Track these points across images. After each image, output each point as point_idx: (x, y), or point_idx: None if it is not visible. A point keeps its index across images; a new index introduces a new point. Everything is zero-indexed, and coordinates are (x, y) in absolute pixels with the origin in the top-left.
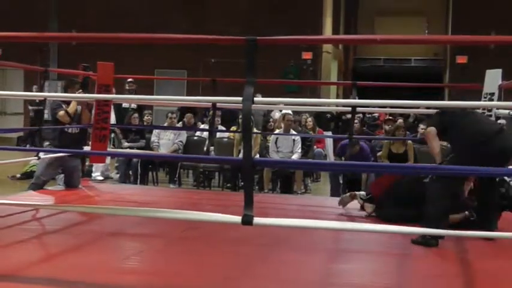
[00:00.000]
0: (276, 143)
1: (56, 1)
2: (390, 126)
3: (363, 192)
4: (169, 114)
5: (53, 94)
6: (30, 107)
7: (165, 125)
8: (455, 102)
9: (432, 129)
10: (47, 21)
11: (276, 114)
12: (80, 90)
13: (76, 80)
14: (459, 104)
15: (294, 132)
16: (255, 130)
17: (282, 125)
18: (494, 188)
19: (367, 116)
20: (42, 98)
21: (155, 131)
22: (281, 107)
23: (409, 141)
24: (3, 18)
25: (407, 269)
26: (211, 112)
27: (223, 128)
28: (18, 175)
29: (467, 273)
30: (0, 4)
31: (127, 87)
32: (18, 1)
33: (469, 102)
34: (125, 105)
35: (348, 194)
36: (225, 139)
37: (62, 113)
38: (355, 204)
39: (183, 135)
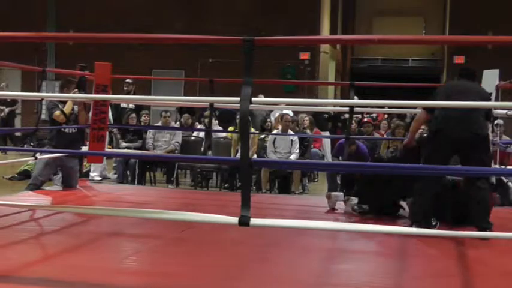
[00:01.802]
0: (273, 143)
1: (54, 1)
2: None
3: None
4: (164, 113)
5: (49, 94)
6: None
7: (159, 124)
8: (453, 102)
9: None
10: (45, 21)
11: (276, 114)
12: (76, 90)
13: (72, 80)
14: (457, 104)
15: (291, 133)
16: (252, 130)
17: (280, 126)
18: (474, 183)
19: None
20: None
21: (150, 132)
22: (279, 107)
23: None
24: (1, 17)
25: (405, 268)
26: (206, 112)
27: (220, 128)
28: (16, 175)
29: (466, 272)
30: None
31: (124, 88)
32: (16, 1)
33: (466, 102)
34: (123, 105)
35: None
36: (221, 139)
37: (57, 112)
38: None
39: (179, 136)
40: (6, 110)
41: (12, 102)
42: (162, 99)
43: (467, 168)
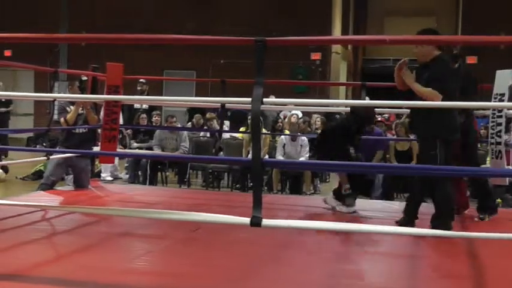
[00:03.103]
0: (283, 147)
1: (67, 2)
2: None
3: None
4: (169, 118)
5: (61, 95)
6: None
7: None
8: (465, 103)
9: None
10: (57, 22)
11: (285, 113)
12: (80, 92)
13: (80, 80)
14: (469, 105)
15: (301, 135)
16: (264, 131)
17: (289, 128)
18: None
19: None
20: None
21: (156, 136)
22: (290, 107)
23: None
24: (13, 19)
25: (417, 270)
26: (207, 114)
27: (226, 128)
28: (31, 175)
29: (478, 274)
30: (11, 5)
31: (138, 88)
32: (28, 2)
33: (479, 102)
34: (136, 105)
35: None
36: (230, 139)
37: (61, 120)
38: (363, 206)
39: (186, 140)
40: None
41: (7, 102)
42: (173, 99)
43: (467, 168)
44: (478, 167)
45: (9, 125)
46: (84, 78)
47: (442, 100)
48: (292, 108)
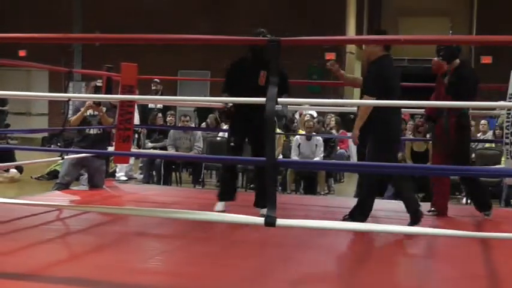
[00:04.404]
0: (298, 147)
1: (80, 2)
2: None
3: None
4: (183, 117)
5: (75, 95)
6: None
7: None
8: (479, 103)
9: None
10: (71, 22)
11: (299, 114)
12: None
13: (95, 86)
14: (483, 105)
15: (316, 135)
16: (278, 131)
17: (303, 129)
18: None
19: None
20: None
21: (170, 136)
22: (304, 107)
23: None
24: (28, 18)
25: (430, 270)
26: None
27: None
28: (45, 175)
29: (492, 274)
30: (25, 5)
31: (153, 87)
32: (42, 2)
33: (493, 102)
34: (150, 105)
35: None
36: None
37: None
38: (376, 205)
39: (200, 140)
40: None
41: (2, 102)
42: (187, 99)
43: (468, 168)
44: (468, 165)
45: (4, 125)
46: (99, 84)
47: (381, 98)
48: (306, 108)
